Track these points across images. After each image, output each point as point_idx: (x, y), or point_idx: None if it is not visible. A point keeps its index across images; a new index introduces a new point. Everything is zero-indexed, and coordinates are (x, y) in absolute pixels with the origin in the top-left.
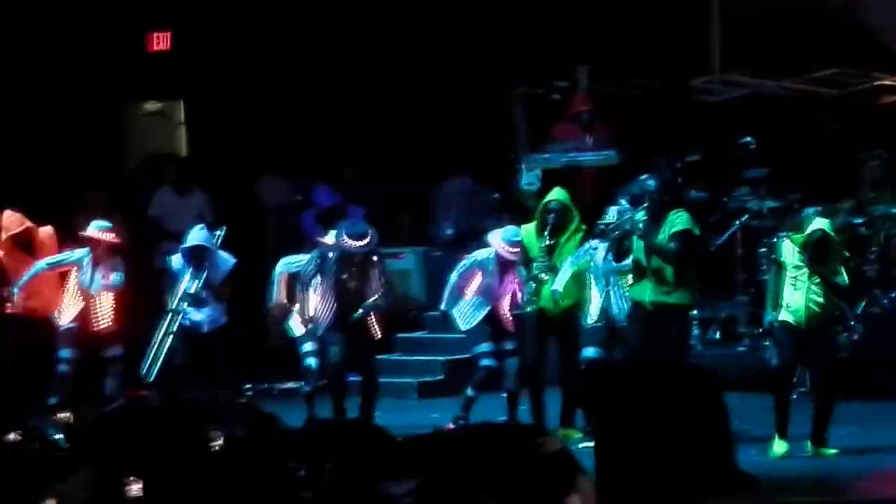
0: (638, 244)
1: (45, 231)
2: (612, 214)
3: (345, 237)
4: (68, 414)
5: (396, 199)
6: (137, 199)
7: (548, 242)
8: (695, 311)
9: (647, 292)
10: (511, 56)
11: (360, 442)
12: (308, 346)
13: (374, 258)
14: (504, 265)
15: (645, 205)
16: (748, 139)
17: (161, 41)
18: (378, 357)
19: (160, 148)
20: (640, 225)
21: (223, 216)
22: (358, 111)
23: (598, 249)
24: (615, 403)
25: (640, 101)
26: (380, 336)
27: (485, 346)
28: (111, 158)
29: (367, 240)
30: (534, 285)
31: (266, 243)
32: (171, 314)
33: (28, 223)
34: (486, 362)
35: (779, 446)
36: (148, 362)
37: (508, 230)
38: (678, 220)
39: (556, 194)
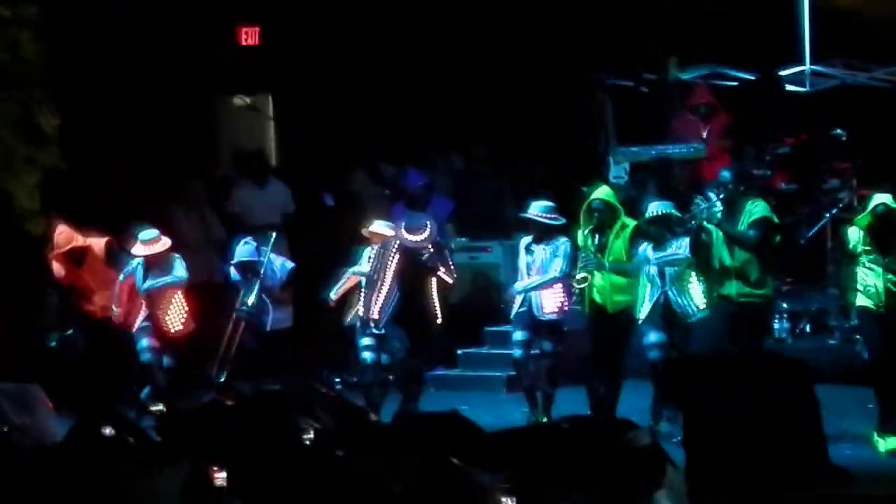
0: (718, 236)
1: (97, 244)
2: (658, 208)
3: (402, 230)
4: (161, 406)
5: (489, 193)
6: (228, 193)
7: (595, 241)
8: (785, 304)
9: (732, 285)
10: (600, 49)
11: (450, 434)
12: (365, 341)
13: (432, 250)
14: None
15: (721, 195)
16: (839, 131)
17: (250, 36)
18: (466, 350)
19: (250, 142)
20: (718, 215)
21: (308, 209)
22: (447, 106)
23: (648, 246)
24: (705, 396)
25: (731, 93)
26: (439, 321)
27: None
28: (204, 152)
29: (425, 234)
30: (582, 283)
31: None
32: (234, 321)
33: (76, 240)
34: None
35: (886, 442)
36: (216, 366)
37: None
38: (756, 209)
39: (600, 193)
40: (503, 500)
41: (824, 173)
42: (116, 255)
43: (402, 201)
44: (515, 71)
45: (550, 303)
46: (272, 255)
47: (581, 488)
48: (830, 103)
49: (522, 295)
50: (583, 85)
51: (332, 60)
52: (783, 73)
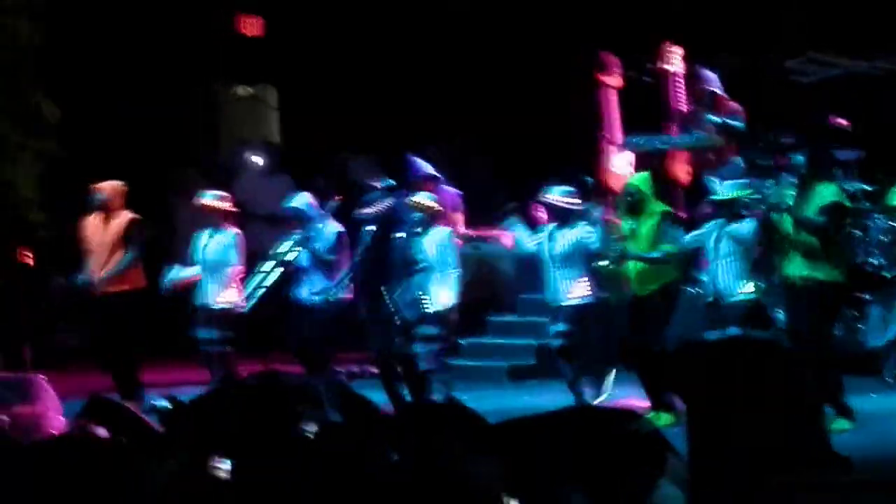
0: (786, 219)
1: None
2: (724, 189)
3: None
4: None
5: (493, 182)
6: (230, 183)
7: (624, 226)
8: None
9: (797, 267)
10: (602, 39)
11: (451, 424)
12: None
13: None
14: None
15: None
16: (841, 120)
17: (252, 27)
18: (470, 340)
19: (253, 132)
20: (787, 199)
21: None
22: (449, 97)
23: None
24: (707, 383)
25: (733, 83)
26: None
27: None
28: (205, 142)
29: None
30: (606, 268)
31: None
32: (273, 260)
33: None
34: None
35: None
36: (245, 294)
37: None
38: (827, 193)
39: (633, 178)
40: (502, 489)
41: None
42: (135, 235)
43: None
44: (518, 60)
45: (579, 289)
46: (325, 220)
47: (582, 478)
48: (833, 93)
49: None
50: (585, 75)
51: (336, 51)
52: (785, 63)
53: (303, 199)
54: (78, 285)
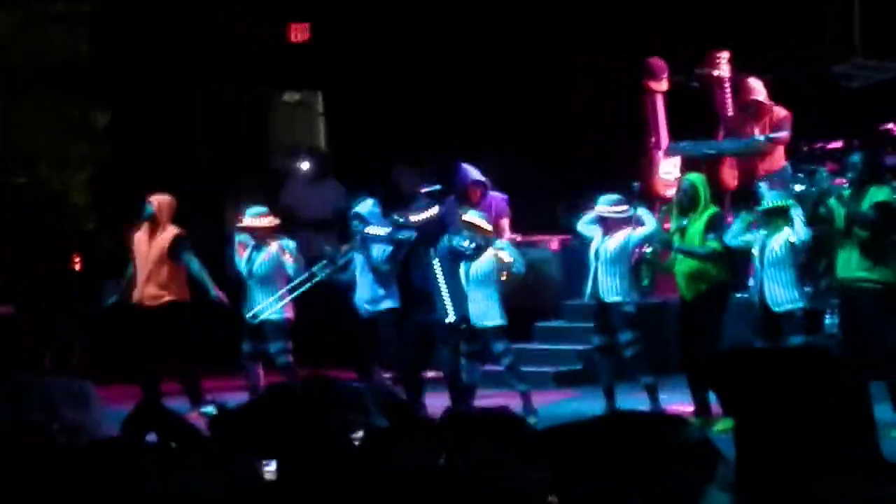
0: (839, 214)
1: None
2: (772, 198)
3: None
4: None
5: (539, 187)
6: (279, 189)
7: (676, 223)
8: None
9: (849, 268)
10: (650, 45)
11: (498, 430)
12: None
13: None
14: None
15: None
16: (889, 125)
17: (300, 33)
18: (516, 346)
19: (301, 138)
20: (843, 194)
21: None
22: (498, 103)
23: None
24: (755, 390)
25: (780, 88)
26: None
27: None
28: (256, 147)
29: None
30: (649, 268)
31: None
32: (324, 262)
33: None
34: None
35: None
36: (292, 286)
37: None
38: (879, 193)
39: (690, 175)
40: (551, 497)
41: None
42: (180, 250)
43: (453, 196)
44: (567, 65)
45: (618, 286)
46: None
47: (630, 484)
48: (881, 98)
49: (591, 286)
50: (634, 80)
51: (383, 55)
52: (833, 68)
53: (367, 205)
54: (109, 306)
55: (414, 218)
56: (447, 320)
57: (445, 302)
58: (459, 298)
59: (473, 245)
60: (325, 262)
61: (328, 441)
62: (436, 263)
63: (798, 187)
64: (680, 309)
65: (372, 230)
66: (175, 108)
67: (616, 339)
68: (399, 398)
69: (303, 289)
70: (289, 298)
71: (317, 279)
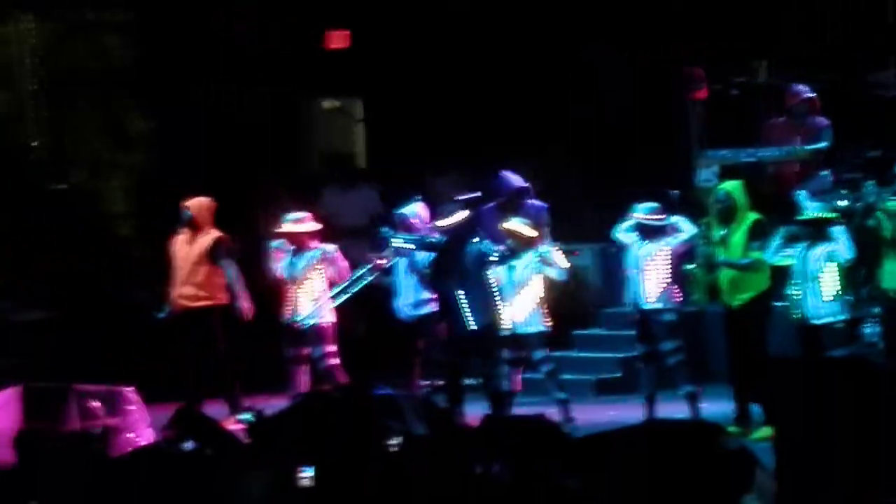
0: (885, 225)
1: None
2: (813, 209)
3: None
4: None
5: (579, 195)
6: (317, 194)
7: (715, 233)
8: (876, 309)
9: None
10: (689, 52)
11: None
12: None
13: None
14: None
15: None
16: None
17: (339, 40)
18: (556, 354)
19: (341, 145)
20: (891, 205)
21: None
22: (537, 109)
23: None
24: (798, 400)
25: (819, 97)
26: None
27: None
28: (294, 155)
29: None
30: (695, 279)
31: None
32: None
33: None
34: None
35: None
36: (336, 291)
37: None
38: None
39: (726, 184)
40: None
41: None
42: (221, 253)
43: (493, 205)
44: (601, 72)
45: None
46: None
47: (667, 492)
48: None
49: (631, 294)
50: (672, 88)
51: (421, 63)
52: (870, 77)
53: (413, 209)
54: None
55: (440, 224)
56: (469, 328)
57: (466, 310)
58: (487, 305)
59: (500, 251)
60: (369, 266)
61: (365, 448)
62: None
63: (842, 203)
64: (724, 317)
65: (398, 242)
66: (212, 115)
67: (658, 347)
68: (437, 405)
69: (348, 293)
70: (333, 304)
71: (361, 284)
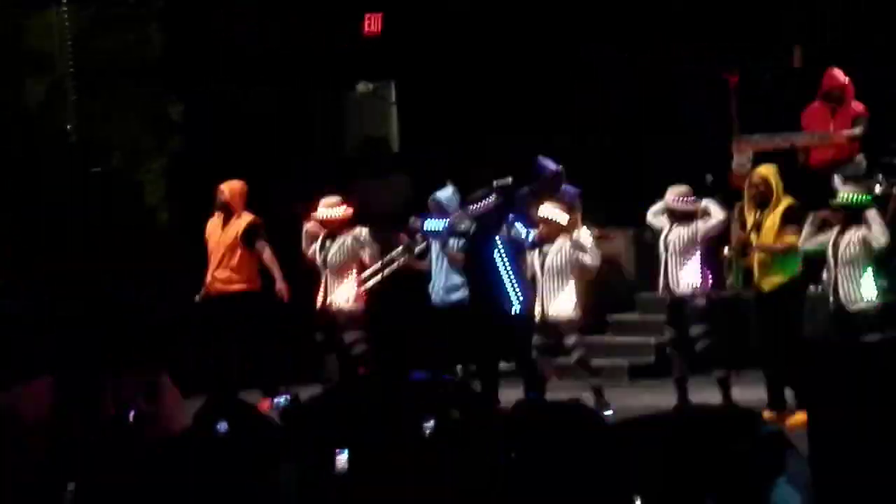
0: None
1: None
2: (845, 194)
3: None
4: (286, 396)
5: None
6: (352, 180)
7: (753, 218)
8: None
9: None
10: (724, 38)
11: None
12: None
13: None
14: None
15: None
16: None
17: (373, 23)
18: (590, 338)
19: (375, 129)
20: None
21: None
22: (571, 94)
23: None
24: (833, 384)
25: (856, 81)
26: None
27: None
28: (331, 139)
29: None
30: (730, 264)
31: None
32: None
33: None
34: None
35: None
36: (368, 274)
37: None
38: None
39: (761, 168)
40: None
41: None
42: (254, 236)
43: (526, 189)
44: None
45: (689, 278)
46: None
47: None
48: None
49: (662, 278)
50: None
51: (455, 47)
52: None
53: (447, 192)
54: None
55: (472, 209)
56: (513, 310)
57: (511, 292)
58: (523, 289)
59: (532, 235)
60: (401, 249)
61: (400, 432)
62: (497, 254)
63: (878, 188)
64: (756, 301)
65: (429, 226)
66: (246, 101)
67: (687, 332)
68: (471, 390)
69: (379, 276)
70: (366, 286)
71: (393, 266)
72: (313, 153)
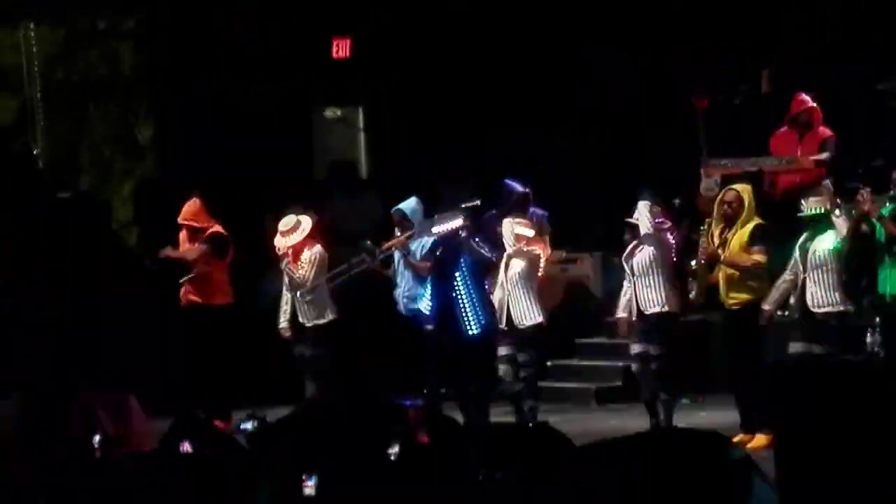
0: (880, 231)
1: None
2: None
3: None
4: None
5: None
6: (323, 202)
7: (717, 234)
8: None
9: (893, 284)
10: (692, 62)
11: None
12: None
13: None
14: None
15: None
16: None
17: (342, 48)
18: (557, 362)
19: (343, 154)
20: (884, 211)
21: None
22: (541, 122)
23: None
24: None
25: (824, 106)
26: None
27: None
28: (300, 164)
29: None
30: (695, 277)
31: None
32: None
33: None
34: None
35: None
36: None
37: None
38: None
39: (734, 185)
40: None
41: None
42: (221, 249)
43: (495, 211)
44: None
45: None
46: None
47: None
48: None
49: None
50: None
51: (423, 72)
52: (878, 86)
53: (411, 204)
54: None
55: (435, 230)
56: (471, 332)
57: (471, 315)
58: (484, 312)
59: (498, 255)
60: (362, 255)
61: (368, 455)
62: (460, 276)
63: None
64: (722, 318)
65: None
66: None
67: (649, 349)
68: (440, 411)
69: (339, 281)
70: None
71: (354, 271)
72: (287, 173)
